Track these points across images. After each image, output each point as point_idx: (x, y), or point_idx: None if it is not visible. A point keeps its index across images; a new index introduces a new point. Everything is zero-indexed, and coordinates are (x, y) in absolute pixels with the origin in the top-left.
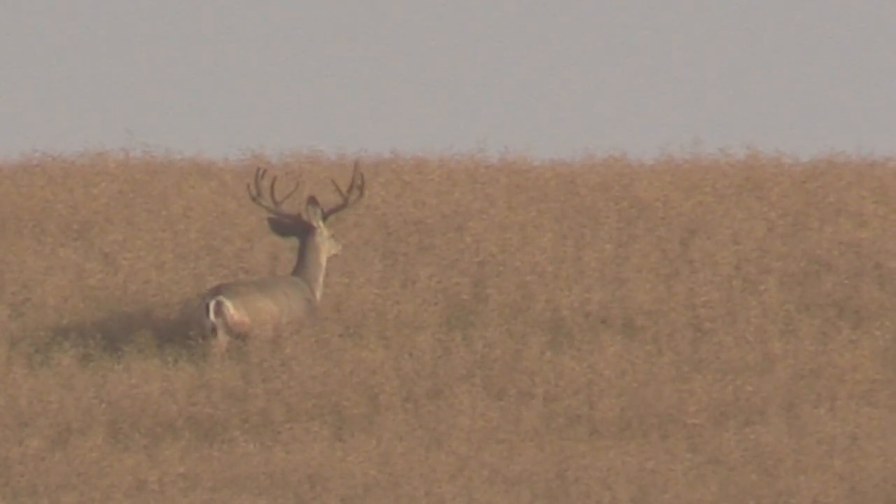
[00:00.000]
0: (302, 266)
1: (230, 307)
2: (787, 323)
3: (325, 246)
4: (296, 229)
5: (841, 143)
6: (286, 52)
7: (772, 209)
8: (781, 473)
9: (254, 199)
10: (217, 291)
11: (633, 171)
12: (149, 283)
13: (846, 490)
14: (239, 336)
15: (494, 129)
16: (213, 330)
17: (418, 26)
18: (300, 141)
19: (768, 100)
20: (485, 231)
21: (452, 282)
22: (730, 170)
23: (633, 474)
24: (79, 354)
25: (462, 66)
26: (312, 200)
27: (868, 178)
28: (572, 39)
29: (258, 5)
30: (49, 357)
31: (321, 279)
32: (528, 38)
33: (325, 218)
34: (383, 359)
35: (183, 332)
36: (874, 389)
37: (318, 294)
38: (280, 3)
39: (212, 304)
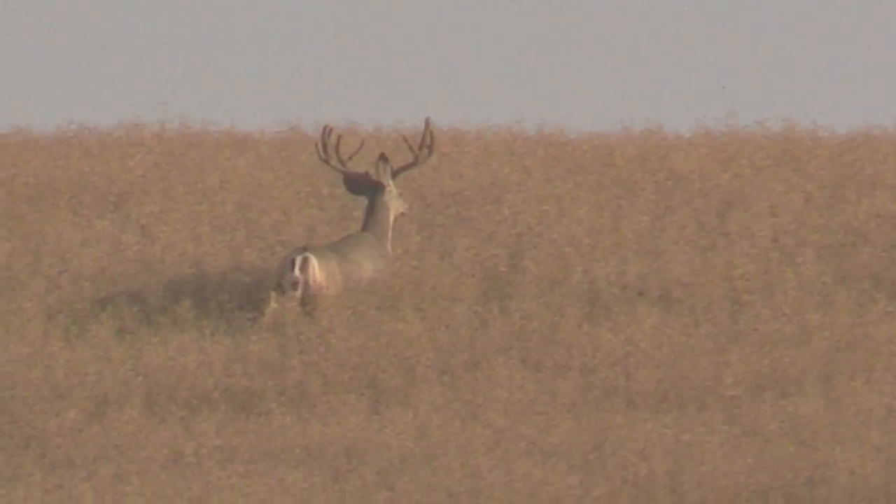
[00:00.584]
0: (373, 223)
1: (315, 266)
2: (824, 295)
3: (394, 204)
4: (365, 188)
5: (877, 116)
6: (322, 23)
7: (808, 181)
8: (818, 445)
9: (323, 160)
10: (304, 248)
11: (669, 144)
12: (185, 256)
13: (883, 462)
14: (314, 296)
15: (531, 102)
16: (295, 284)
17: (456, 1)
18: (337, 113)
19: (804, 72)
20: (522, 203)
21: (489, 254)
22: (766, 142)
23: (669, 446)
24: (115, 327)
25: (499, 39)
26: (383, 158)
27: None
28: (608, 11)
29: None
30: (86, 329)
31: (390, 235)
32: (564, 11)
33: (394, 176)
34: (420, 331)
35: (220, 303)
36: None
37: (389, 248)
38: None
39: (298, 260)
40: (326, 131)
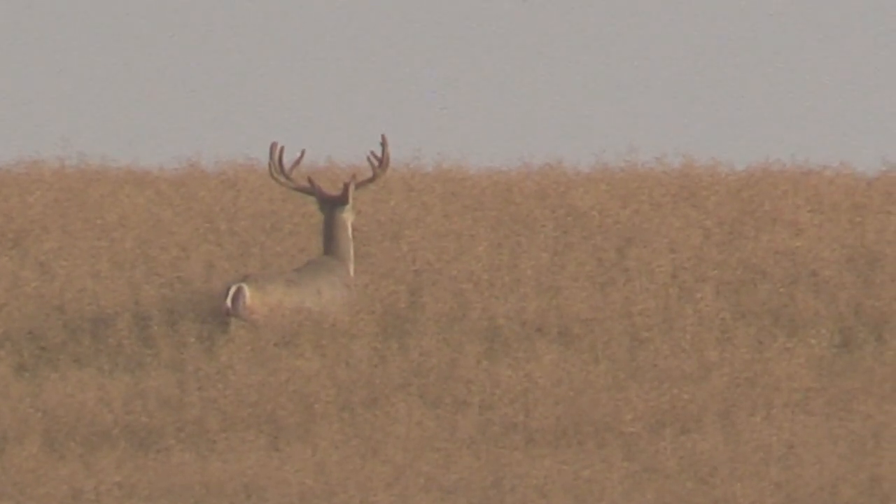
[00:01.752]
0: (334, 245)
1: (247, 296)
2: (723, 331)
3: (351, 219)
4: (324, 205)
5: (776, 152)
6: (219, 58)
7: (708, 217)
8: (717, 481)
9: (274, 177)
10: (243, 278)
11: (568, 180)
12: (84, 292)
13: (782, 498)
14: (253, 324)
15: (429, 138)
16: (227, 314)
17: (351, 33)
18: (235, 149)
19: (703, 108)
20: (421, 239)
21: (388, 290)
22: (665, 178)
23: (569, 483)
24: (14, 363)
25: (396, 73)
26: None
27: (803, 187)
28: (506, 46)
29: (189, 12)
30: None
31: (352, 255)
32: (462, 45)
33: (356, 189)
34: (319, 367)
35: (119, 340)
36: (810, 397)
37: (352, 269)
38: (212, 10)
39: (232, 289)
40: (277, 147)
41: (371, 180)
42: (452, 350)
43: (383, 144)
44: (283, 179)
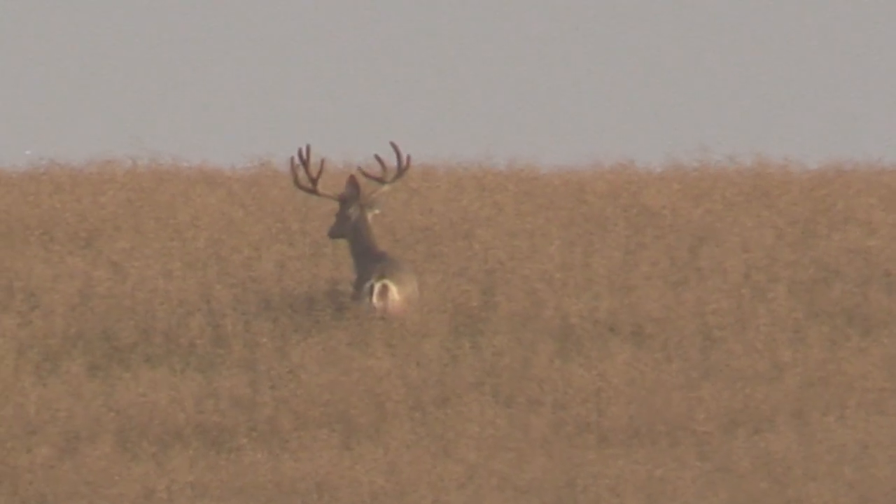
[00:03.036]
0: (374, 241)
1: (395, 291)
2: (796, 330)
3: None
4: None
5: (849, 151)
6: (292, 58)
7: (780, 217)
8: (791, 481)
9: (301, 187)
10: (382, 274)
11: (640, 179)
12: (156, 292)
13: (856, 498)
14: (395, 318)
15: (502, 137)
16: (373, 311)
17: (426, 33)
18: (309, 147)
19: (776, 106)
20: (493, 238)
21: (460, 289)
22: (738, 177)
23: (641, 482)
24: (87, 363)
25: (469, 73)
26: (352, 178)
27: (876, 186)
28: (580, 45)
29: (263, 12)
30: (57, 365)
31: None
32: (535, 45)
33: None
34: (390, 367)
35: (191, 339)
36: (883, 398)
37: None
38: (285, 10)
39: (377, 286)
40: (302, 154)
41: (382, 181)
42: (525, 349)
43: (396, 151)
44: (309, 188)
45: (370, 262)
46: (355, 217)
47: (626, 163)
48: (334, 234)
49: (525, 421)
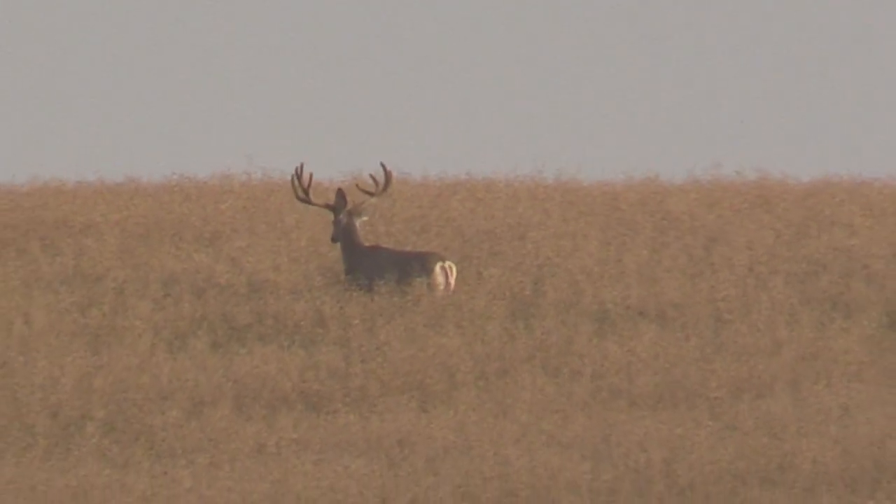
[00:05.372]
0: (360, 241)
1: (454, 271)
2: (791, 314)
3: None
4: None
5: (835, 166)
6: (374, 76)
7: (778, 221)
8: (786, 438)
9: (298, 198)
10: (441, 257)
11: (665, 190)
12: (267, 282)
13: (839, 452)
14: (446, 295)
15: (551, 154)
16: (438, 287)
17: (492, 68)
18: (394, 163)
19: (776, 130)
20: (543, 239)
21: (516, 280)
22: (744, 188)
23: (664, 439)
24: (210, 341)
25: (525, 103)
26: (340, 191)
27: (857, 196)
28: (616, 82)
29: (369, 34)
30: (186, 343)
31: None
32: (579, 75)
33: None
34: (459, 344)
35: (296, 321)
36: (863, 369)
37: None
38: (380, 33)
39: (447, 265)
40: (301, 175)
41: (371, 194)
42: (569, 329)
43: (385, 169)
44: (304, 199)
45: (360, 256)
46: (345, 222)
47: (652, 176)
48: (334, 238)
49: (568, 388)
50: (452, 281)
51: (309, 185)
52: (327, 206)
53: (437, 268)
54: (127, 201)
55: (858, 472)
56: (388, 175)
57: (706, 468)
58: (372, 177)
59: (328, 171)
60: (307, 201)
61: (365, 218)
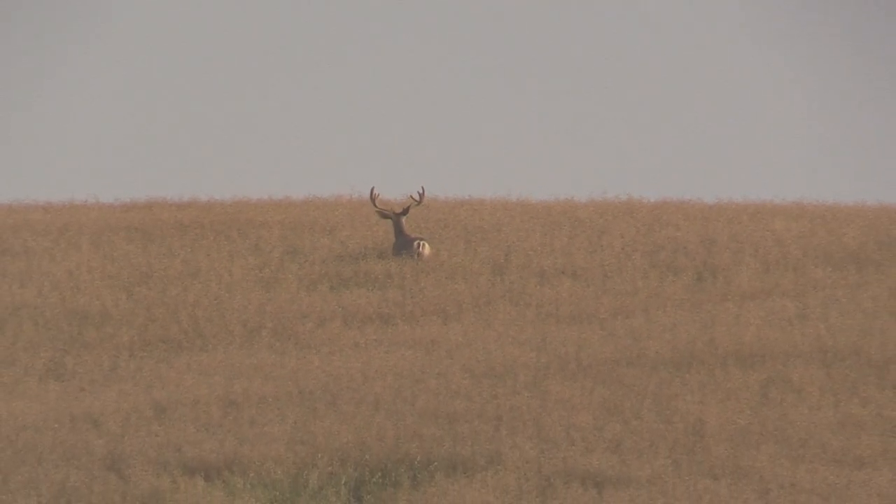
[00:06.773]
0: (407, 233)
1: (427, 248)
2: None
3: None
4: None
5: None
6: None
7: None
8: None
9: (377, 210)
10: (421, 239)
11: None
12: (364, 253)
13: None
14: (424, 262)
15: (516, 178)
16: (414, 257)
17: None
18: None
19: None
20: (510, 232)
21: (496, 254)
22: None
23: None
24: (329, 286)
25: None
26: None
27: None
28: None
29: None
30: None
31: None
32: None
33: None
34: (464, 288)
35: (377, 273)
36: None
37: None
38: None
39: (421, 244)
40: (373, 194)
41: (410, 206)
42: (523, 281)
43: (421, 193)
44: (378, 210)
45: (405, 239)
46: (395, 221)
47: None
48: (395, 235)
49: (524, 313)
50: (425, 252)
51: (376, 199)
52: (388, 214)
53: (415, 245)
54: (285, 206)
55: None
56: (422, 195)
57: None
58: (412, 196)
59: (390, 191)
60: (379, 211)
61: (404, 217)
